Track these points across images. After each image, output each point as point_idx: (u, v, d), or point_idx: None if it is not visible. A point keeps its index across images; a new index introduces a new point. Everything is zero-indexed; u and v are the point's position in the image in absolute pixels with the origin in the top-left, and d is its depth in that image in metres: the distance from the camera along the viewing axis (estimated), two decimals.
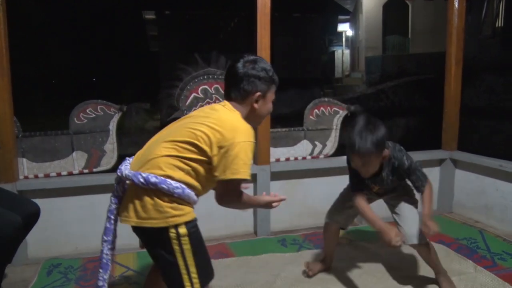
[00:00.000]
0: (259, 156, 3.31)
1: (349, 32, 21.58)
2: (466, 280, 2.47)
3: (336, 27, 21.40)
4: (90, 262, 2.81)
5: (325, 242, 2.63)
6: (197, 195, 1.72)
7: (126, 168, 1.71)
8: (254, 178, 3.34)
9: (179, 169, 1.63)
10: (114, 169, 3.17)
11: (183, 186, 1.63)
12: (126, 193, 1.72)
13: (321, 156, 3.62)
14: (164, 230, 1.62)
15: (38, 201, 2.45)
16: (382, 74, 14.04)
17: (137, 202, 1.64)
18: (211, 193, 3.27)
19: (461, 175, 3.79)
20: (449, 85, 3.78)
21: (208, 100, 3.29)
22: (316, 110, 3.60)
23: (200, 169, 1.66)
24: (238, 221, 3.39)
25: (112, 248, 1.78)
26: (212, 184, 1.73)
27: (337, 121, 3.65)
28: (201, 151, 1.63)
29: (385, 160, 2.13)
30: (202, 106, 3.29)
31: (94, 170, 3.16)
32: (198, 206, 3.23)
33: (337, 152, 3.69)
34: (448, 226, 3.46)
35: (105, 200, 2.98)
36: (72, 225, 3.00)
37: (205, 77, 3.28)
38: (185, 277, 1.66)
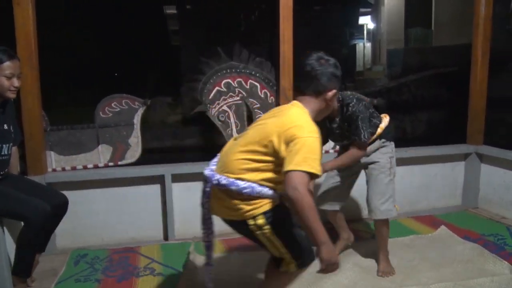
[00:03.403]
0: None
1: (371, 25, 21.27)
2: (499, 282, 2.32)
3: (357, 20, 20.97)
4: (115, 253, 2.87)
5: (334, 225, 2.72)
6: (276, 190, 1.74)
7: (209, 168, 1.83)
8: None
9: (251, 171, 1.71)
10: (139, 162, 3.23)
11: (253, 185, 1.69)
12: (211, 190, 1.83)
13: None
14: (244, 222, 1.73)
15: (65, 193, 2.52)
16: (404, 67, 13.76)
17: (218, 200, 1.79)
18: None
19: (487, 169, 3.71)
20: (475, 77, 3.70)
21: (231, 93, 3.30)
22: None
23: (271, 169, 1.71)
24: None
25: (211, 233, 1.94)
26: None
27: None
28: (270, 149, 1.68)
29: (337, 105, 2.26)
30: (225, 99, 3.31)
31: (119, 163, 3.22)
32: None
33: None
34: (474, 221, 3.40)
35: (130, 192, 3.06)
36: (98, 216, 3.05)
37: (228, 70, 3.29)
38: (285, 256, 1.76)
